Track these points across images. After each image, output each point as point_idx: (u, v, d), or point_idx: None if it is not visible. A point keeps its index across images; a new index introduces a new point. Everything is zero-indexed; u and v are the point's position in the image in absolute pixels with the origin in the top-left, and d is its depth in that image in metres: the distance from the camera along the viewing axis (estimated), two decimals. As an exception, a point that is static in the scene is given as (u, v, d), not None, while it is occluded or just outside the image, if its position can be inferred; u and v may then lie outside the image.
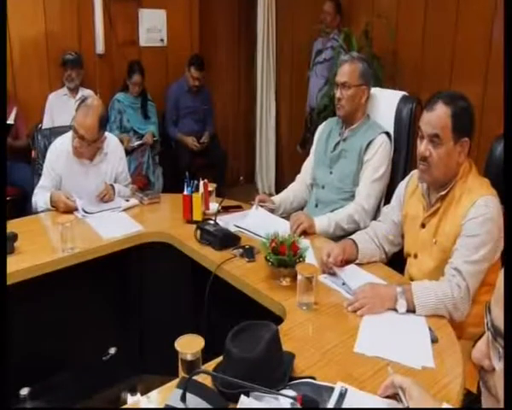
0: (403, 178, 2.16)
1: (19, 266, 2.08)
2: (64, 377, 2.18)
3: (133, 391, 2.53)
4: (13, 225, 2.39)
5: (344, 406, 1.28)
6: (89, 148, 2.67)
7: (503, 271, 0.72)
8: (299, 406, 1.19)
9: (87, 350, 2.33)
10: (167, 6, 4.85)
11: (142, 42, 4.81)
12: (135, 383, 2.50)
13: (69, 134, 2.70)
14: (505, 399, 0.67)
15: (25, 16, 4.18)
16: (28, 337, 2.13)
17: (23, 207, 3.01)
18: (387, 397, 1.31)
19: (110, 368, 2.38)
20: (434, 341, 1.57)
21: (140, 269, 2.47)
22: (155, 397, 1.39)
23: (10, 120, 3.90)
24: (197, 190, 2.49)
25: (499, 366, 0.69)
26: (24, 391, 1.98)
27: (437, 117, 1.79)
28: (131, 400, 2.51)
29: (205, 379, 1.32)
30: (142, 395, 2.19)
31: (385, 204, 2.35)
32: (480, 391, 0.78)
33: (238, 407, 1.23)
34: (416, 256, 1.96)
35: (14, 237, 2.18)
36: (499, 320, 0.68)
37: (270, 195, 4.06)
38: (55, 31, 4.34)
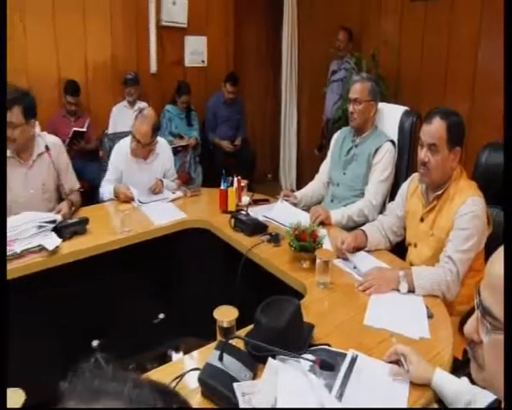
0: (405, 180, 2.12)
1: (91, 243, 2.12)
2: (123, 334, 2.21)
3: (177, 350, 2.56)
4: (85, 212, 2.45)
5: (354, 369, 1.27)
6: (143, 149, 2.69)
7: (491, 260, 0.72)
8: (317, 367, 1.18)
9: (141, 314, 2.35)
10: (208, 33, 4.85)
11: (187, 63, 4.80)
12: (178, 343, 2.53)
13: (128, 138, 2.73)
14: (505, 399, 0.67)
15: (96, 45, 4.26)
16: (95, 302, 2.17)
17: (92, 197, 3.07)
18: (391, 362, 1.30)
19: (159, 330, 2.41)
20: (430, 316, 1.55)
21: (184, 250, 2.47)
22: (196, 356, 1.40)
23: (84, 128, 3.96)
24: (232, 185, 2.48)
25: (486, 339, 0.69)
26: (95, 343, 2.02)
27: (434, 129, 1.77)
28: (175, 357, 2.54)
29: (238, 343, 1.32)
30: (184, 354, 2.21)
31: (390, 201, 2.31)
32: (465, 358, 0.78)
33: (266, 367, 1.23)
34: (415, 246, 1.93)
35: (87, 220, 2.21)
36: (487, 301, 0.69)
37: (292, 191, 4.03)
38: (119, 55, 4.39)
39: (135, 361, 2.35)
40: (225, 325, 1.33)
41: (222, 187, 2.47)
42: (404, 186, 2.05)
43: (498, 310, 0.66)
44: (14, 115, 2.19)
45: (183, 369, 1.28)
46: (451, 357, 1.38)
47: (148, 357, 2.37)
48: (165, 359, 2.44)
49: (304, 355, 1.26)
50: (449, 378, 1.20)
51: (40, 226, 2.06)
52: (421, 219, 1.89)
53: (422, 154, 1.80)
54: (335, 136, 2.70)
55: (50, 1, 3.96)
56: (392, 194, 2.37)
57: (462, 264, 1.70)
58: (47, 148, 2.37)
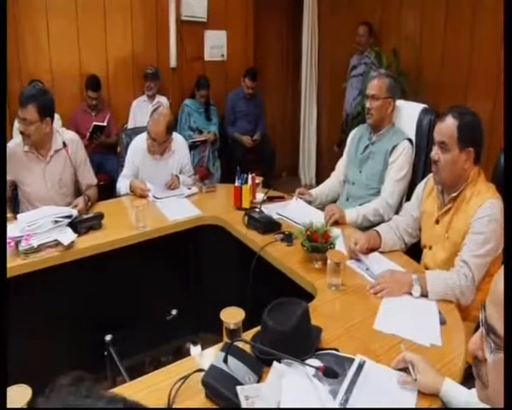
0: (422, 179, 2.06)
1: (106, 239, 2.14)
2: (136, 329, 2.23)
3: (194, 344, 2.57)
4: (101, 206, 2.47)
5: (361, 375, 1.24)
6: (159, 147, 2.70)
7: (497, 276, 0.69)
8: (321, 374, 1.16)
9: (154, 310, 2.36)
10: (228, 28, 4.83)
11: (207, 57, 4.80)
12: (193, 339, 2.54)
13: (145, 134, 2.73)
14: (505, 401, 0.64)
15: (117, 40, 4.30)
16: (109, 297, 2.19)
17: (111, 190, 3.10)
18: (399, 370, 1.27)
19: (172, 326, 2.42)
20: (443, 323, 1.51)
21: (197, 246, 2.47)
22: (203, 357, 1.40)
23: (104, 122, 4.01)
24: (246, 182, 2.45)
25: (490, 358, 0.67)
26: (108, 337, 2.04)
27: (445, 127, 1.72)
28: (194, 350, 2.55)
29: (244, 345, 1.30)
30: (202, 348, 2.19)
31: (406, 201, 2.26)
32: None
33: (271, 370, 1.22)
34: (430, 248, 1.88)
35: (102, 215, 2.24)
36: (492, 318, 0.66)
37: (311, 186, 3.99)
38: (139, 51, 4.43)
39: (149, 356, 2.37)
40: (232, 326, 1.32)
41: (236, 184, 2.45)
42: (420, 186, 2.00)
43: (503, 328, 0.63)
44: (29, 112, 2.23)
45: (190, 369, 1.27)
46: (463, 366, 1.34)
47: (162, 351, 2.39)
48: (179, 353, 2.46)
49: (310, 360, 1.24)
50: (458, 389, 1.16)
51: (56, 221, 2.09)
52: (437, 221, 1.83)
53: (433, 151, 1.77)
54: (352, 133, 2.65)
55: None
56: (409, 194, 2.31)
57: (477, 269, 1.65)
58: (64, 144, 2.41)
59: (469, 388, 1.17)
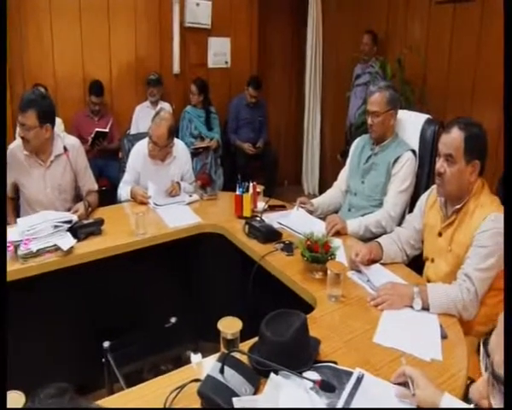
0: (425, 191, 2.05)
1: (105, 244, 2.15)
2: (134, 336, 2.22)
3: (195, 351, 2.55)
4: (101, 212, 2.48)
5: (360, 389, 1.24)
6: (160, 152, 2.71)
7: (501, 317, 0.64)
8: (318, 388, 1.16)
9: (154, 317, 2.35)
10: (231, 34, 4.87)
11: (210, 64, 4.84)
12: (192, 347, 2.52)
13: (146, 139, 2.74)
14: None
15: (120, 46, 4.34)
16: (108, 303, 2.19)
17: (113, 196, 3.10)
18: (398, 384, 1.26)
19: (171, 334, 2.41)
20: (444, 337, 1.49)
21: (198, 254, 2.46)
22: (200, 367, 1.39)
23: (107, 128, 4.03)
24: (247, 190, 2.45)
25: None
26: (106, 344, 2.04)
27: (452, 139, 1.71)
28: (194, 358, 2.52)
29: (241, 356, 1.29)
30: (202, 356, 2.19)
31: (409, 212, 2.26)
32: None
33: (268, 382, 1.21)
34: (432, 261, 1.87)
35: (102, 221, 2.25)
36: (500, 368, 0.61)
37: (314, 195, 3.98)
38: (143, 56, 4.47)
39: (148, 363, 2.35)
40: (229, 336, 1.32)
41: (237, 192, 2.45)
42: (423, 198, 1.99)
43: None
44: (29, 118, 2.24)
45: (188, 377, 1.27)
46: (464, 381, 1.33)
47: (161, 359, 2.37)
48: (179, 361, 2.44)
49: (307, 373, 1.24)
50: (457, 404, 1.15)
51: (56, 226, 2.09)
52: (439, 234, 1.83)
53: (438, 164, 1.75)
54: (355, 143, 2.64)
55: (77, 3, 4.06)
56: (412, 205, 2.31)
57: (480, 283, 1.64)
58: (65, 149, 2.42)
59: (470, 403, 1.16)
